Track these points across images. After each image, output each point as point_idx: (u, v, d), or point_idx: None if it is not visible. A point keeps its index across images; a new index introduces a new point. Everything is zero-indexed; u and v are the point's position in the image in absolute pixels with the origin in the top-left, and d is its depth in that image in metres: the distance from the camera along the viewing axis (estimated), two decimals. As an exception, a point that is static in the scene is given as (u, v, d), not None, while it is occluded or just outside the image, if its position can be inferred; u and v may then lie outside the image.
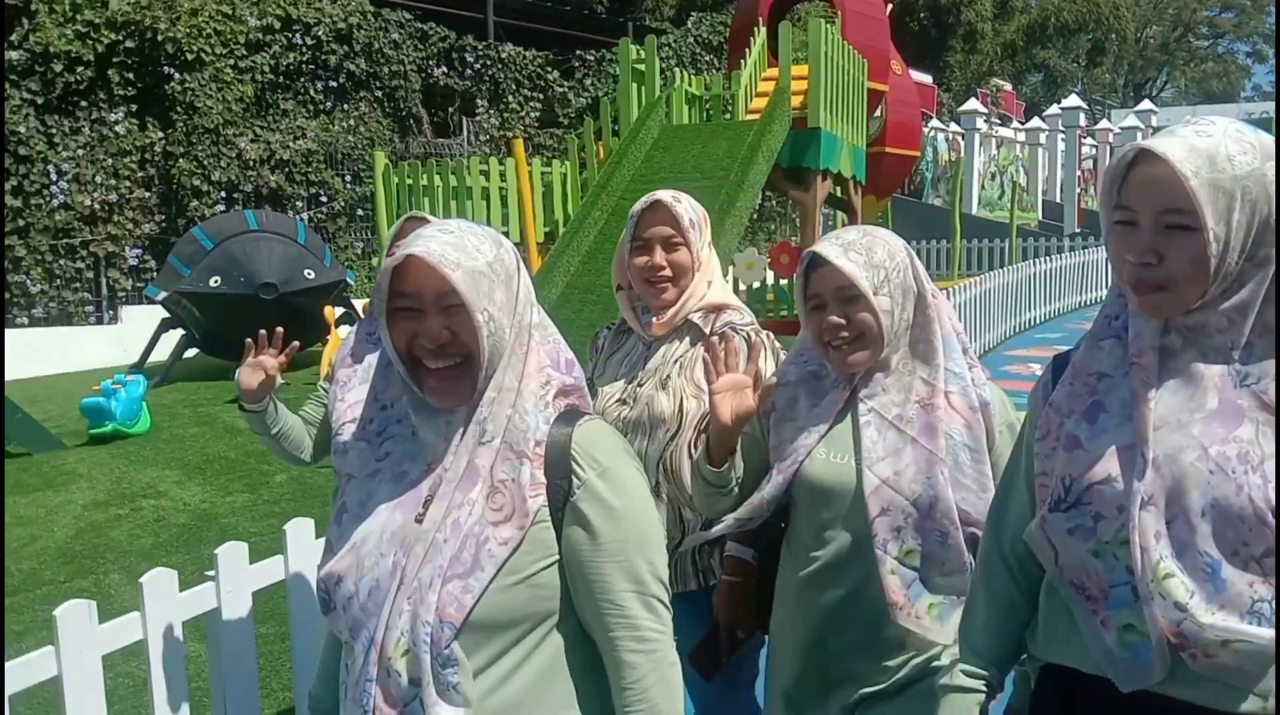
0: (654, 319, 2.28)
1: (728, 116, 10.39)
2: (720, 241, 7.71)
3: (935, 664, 1.76)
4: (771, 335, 2.28)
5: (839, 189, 10.31)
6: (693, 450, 2.18)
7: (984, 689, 1.55)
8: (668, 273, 2.25)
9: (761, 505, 1.83)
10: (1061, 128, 25.02)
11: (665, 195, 2.29)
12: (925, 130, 20.74)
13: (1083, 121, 25.17)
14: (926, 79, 24.59)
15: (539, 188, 9.98)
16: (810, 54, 8.88)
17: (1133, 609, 1.28)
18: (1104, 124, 26.70)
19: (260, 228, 9.94)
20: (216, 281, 9.38)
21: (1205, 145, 1.24)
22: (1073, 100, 25.27)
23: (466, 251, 1.29)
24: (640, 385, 2.25)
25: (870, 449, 1.75)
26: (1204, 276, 1.26)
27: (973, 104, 23.09)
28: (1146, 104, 28.15)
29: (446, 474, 1.31)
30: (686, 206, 2.28)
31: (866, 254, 1.75)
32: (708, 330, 2.28)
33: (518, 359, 1.35)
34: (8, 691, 2.05)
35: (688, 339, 2.29)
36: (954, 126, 24.49)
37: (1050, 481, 1.38)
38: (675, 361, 2.25)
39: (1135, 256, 1.28)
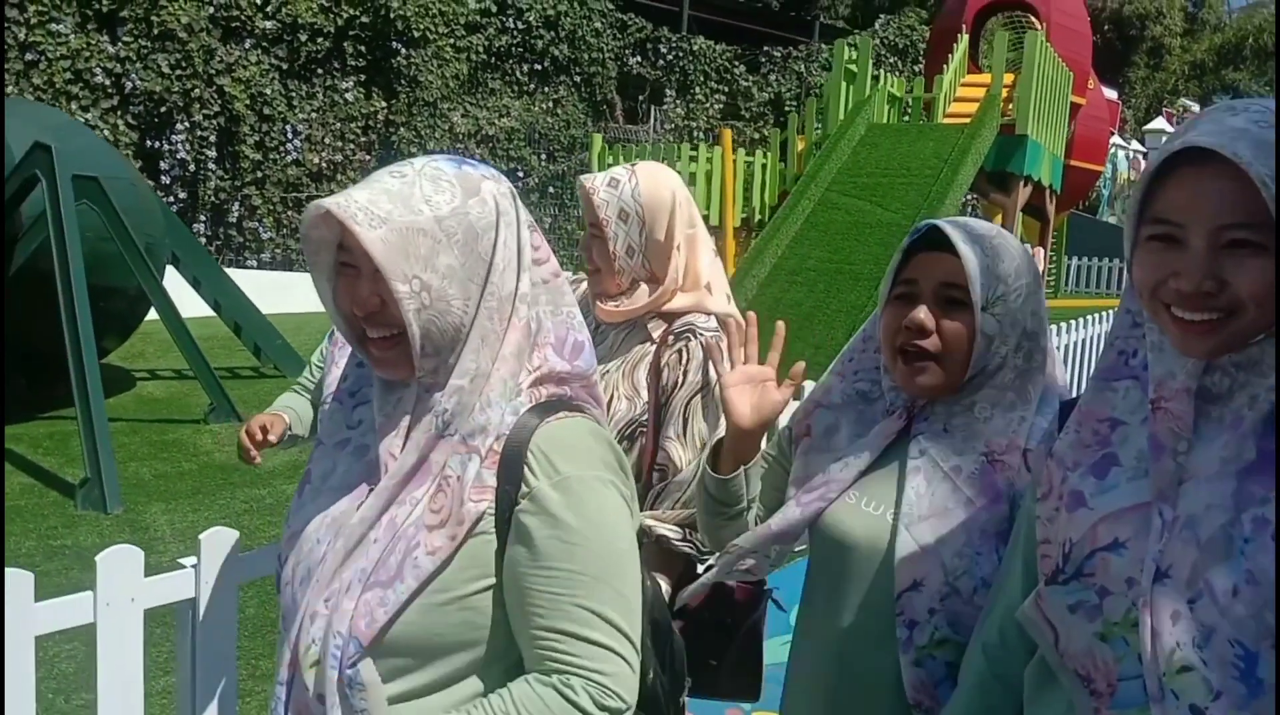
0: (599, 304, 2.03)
1: (922, 119, 10.81)
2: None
3: None
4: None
5: (1035, 196, 10.60)
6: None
7: None
8: (593, 264, 2.00)
9: (766, 539, 1.46)
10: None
11: (591, 178, 2.00)
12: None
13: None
14: (1112, 94, 24.12)
15: (741, 175, 10.66)
16: (1024, 63, 9.24)
17: (1143, 710, 1.02)
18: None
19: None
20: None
21: (1271, 138, 0.94)
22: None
23: (408, 203, 1.07)
24: None
25: (914, 503, 1.37)
26: (1269, 302, 0.98)
27: (1160, 123, 22.59)
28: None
29: (394, 464, 1.11)
30: (624, 192, 1.96)
31: (993, 257, 1.36)
32: (656, 334, 2.00)
33: (494, 337, 1.11)
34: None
35: (637, 340, 2.00)
36: (1135, 145, 23.97)
37: (1052, 551, 1.11)
38: (618, 355, 1.99)
39: (1188, 283, 0.98)
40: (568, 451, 1.10)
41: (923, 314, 1.37)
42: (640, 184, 1.96)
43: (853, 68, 10.16)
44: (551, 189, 17.04)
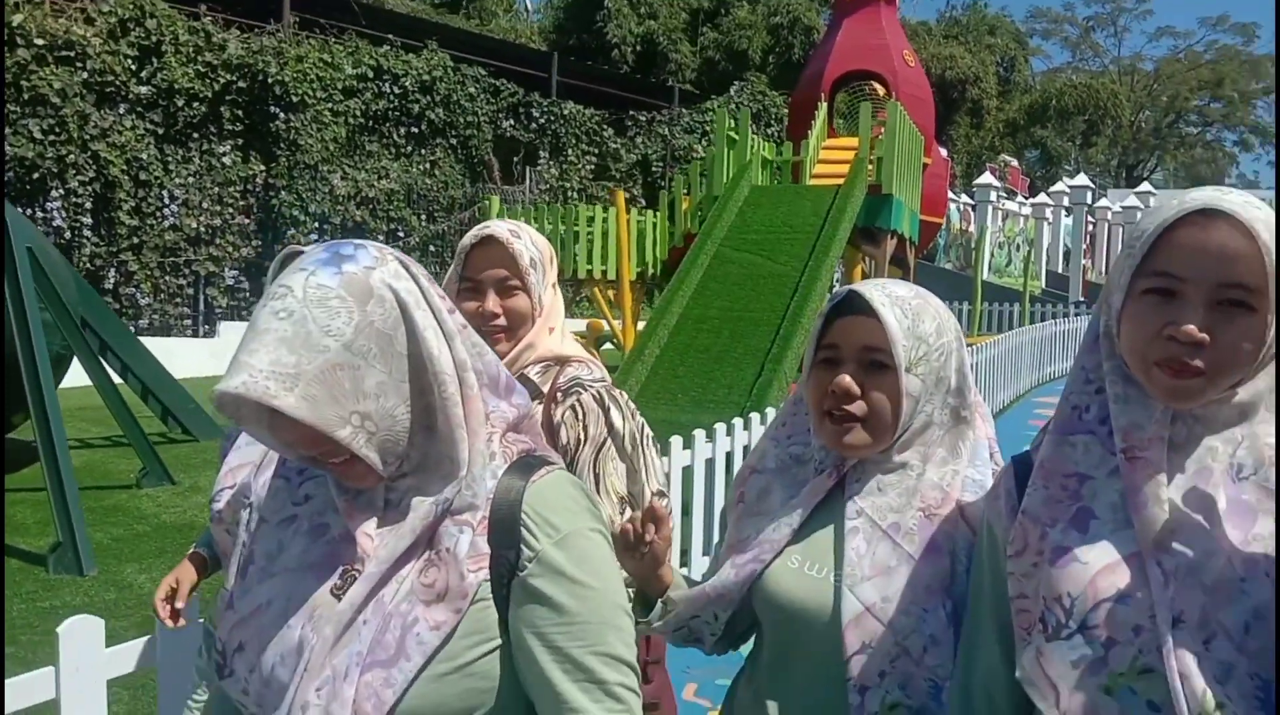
0: None
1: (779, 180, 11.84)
2: (816, 285, 9.08)
3: None
4: (624, 394, 1.99)
5: (898, 248, 11.73)
6: None
7: None
8: (502, 322, 1.89)
9: (701, 601, 1.46)
10: (1067, 204, 26.74)
11: (501, 229, 1.91)
12: (944, 200, 22.37)
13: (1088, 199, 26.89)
14: (943, 152, 26.35)
15: (634, 233, 11.38)
16: (888, 130, 10.34)
17: None
18: (1103, 202, 28.45)
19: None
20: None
21: (1265, 217, 1.04)
22: (1081, 179, 27.02)
23: (309, 343, 1.01)
24: None
25: (855, 563, 1.36)
26: (1249, 363, 1.06)
27: (986, 178, 24.78)
28: (1146, 186, 30.00)
29: (384, 547, 1.08)
30: (527, 243, 1.93)
31: (914, 318, 1.37)
32: (546, 387, 1.94)
33: (458, 419, 1.08)
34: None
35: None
36: (964, 198, 26.15)
37: (1033, 605, 1.13)
38: None
39: (1182, 334, 1.04)
40: (559, 510, 1.11)
41: (847, 380, 1.36)
42: (530, 233, 1.97)
43: (733, 135, 11.06)
44: (432, 248, 17.40)
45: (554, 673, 1.09)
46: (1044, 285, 26.55)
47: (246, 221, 15.68)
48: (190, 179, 15.05)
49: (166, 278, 14.88)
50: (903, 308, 1.36)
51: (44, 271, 6.67)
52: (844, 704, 1.33)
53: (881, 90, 14.23)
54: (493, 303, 1.89)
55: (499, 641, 1.11)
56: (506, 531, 1.09)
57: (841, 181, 10.61)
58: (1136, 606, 1.06)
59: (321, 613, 1.07)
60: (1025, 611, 1.15)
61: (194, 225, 15.00)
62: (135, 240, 14.47)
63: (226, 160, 15.45)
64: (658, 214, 11.54)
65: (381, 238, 16.81)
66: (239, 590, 1.15)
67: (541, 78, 20.46)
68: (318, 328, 1.01)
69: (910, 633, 1.32)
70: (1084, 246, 27.04)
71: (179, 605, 2.05)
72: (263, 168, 15.75)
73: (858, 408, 1.37)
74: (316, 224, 15.90)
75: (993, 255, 25.51)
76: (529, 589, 1.09)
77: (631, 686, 1.12)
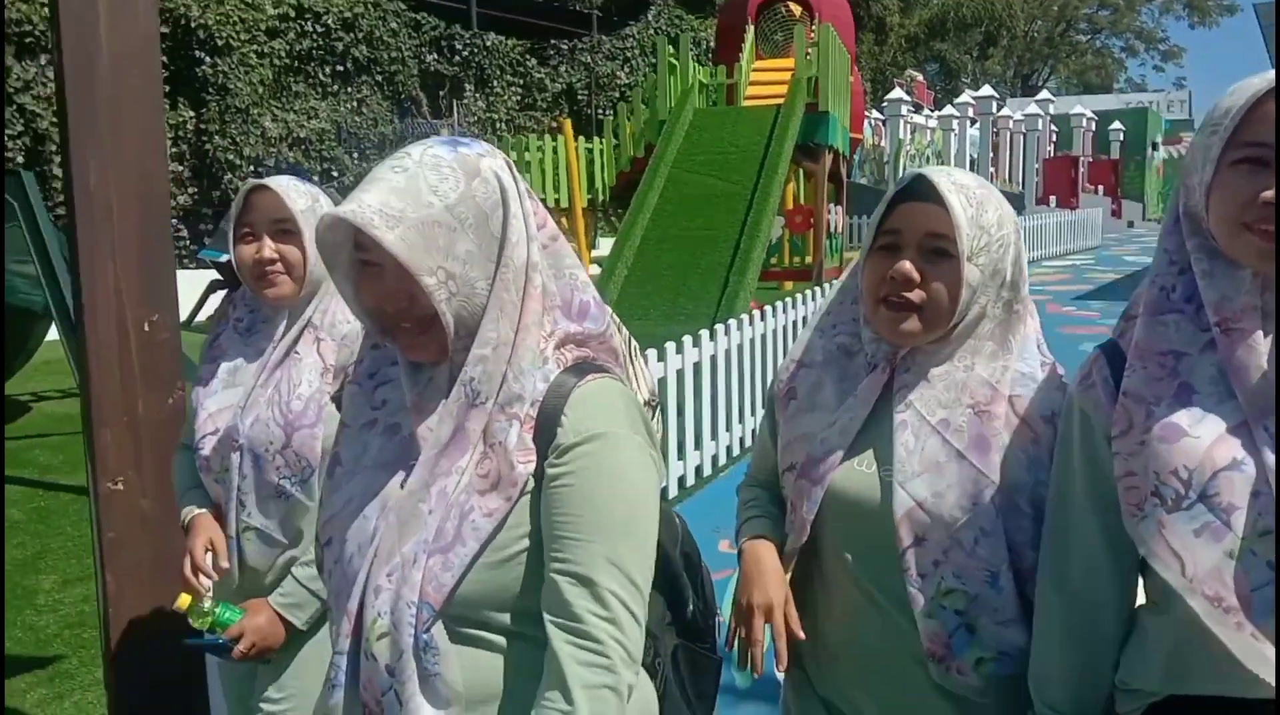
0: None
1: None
2: (768, 202, 9.69)
3: None
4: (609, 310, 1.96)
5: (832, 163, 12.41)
6: None
7: None
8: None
9: (804, 529, 1.45)
10: (971, 115, 27.79)
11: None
12: (858, 116, 23.10)
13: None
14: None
15: (583, 161, 11.82)
16: (821, 51, 10.92)
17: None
18: (1004, 112, 29.59)
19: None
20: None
21: None
22: (986, 90, 28.02)
23: (416, 197, 1.08)
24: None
25: (905, 460, 1.38)
26: None
27: (897, 93, 25.57)
28: (1045, 93, 31.26)
29: (431, 437, 1.14)
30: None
31: (978, 207, 1.35)
32: None
33: (511, 307, 1.13)
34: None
35: None
36: (874, 113, 26.96)
37: (1143, 482, 1.14)
38: None
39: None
40: (597, 410, 1.13)
41: (907, 266, 1.35)
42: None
43: (674, 61, 11.50)
44: (367, 187, 17.49)
45: (552, 564, 1.10)
46: (953, 195, 27.66)
47: (180, 168, 15.58)
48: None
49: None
50: (968, 196, 1.35)
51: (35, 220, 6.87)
52: (900, 591, 1.36)
53: (799, 10, 14.77)
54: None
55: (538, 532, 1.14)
56: (548, 426, 1.12)
57: (776, 102, 11.19)
58: (1251, 472, 1.08)
59: (391, 504, 1.14)
60: (1135, 488, 1.15)
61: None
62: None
63: (154, 107, 15.29)
64: (603, 141, 11.98)
65: (316, 179, 16.85)
66: (329, 489, 1.23)
67: (461, 10, 20.41)
68: (427, 186, 1.09)
69: (961, 526, 1.34)
70: (990, 154, 28.25)
71: (224, 565, 1.82)
72: (192, 114, 15.62)
73: (916, 294, 1.36)
74: (251, 168, 15.88)
75: (904, 168, 26.44)
76: (549, 478, 1.12)
77: (625, 600, 1.09)
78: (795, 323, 7.08)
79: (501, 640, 1.14)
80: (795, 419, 1.49)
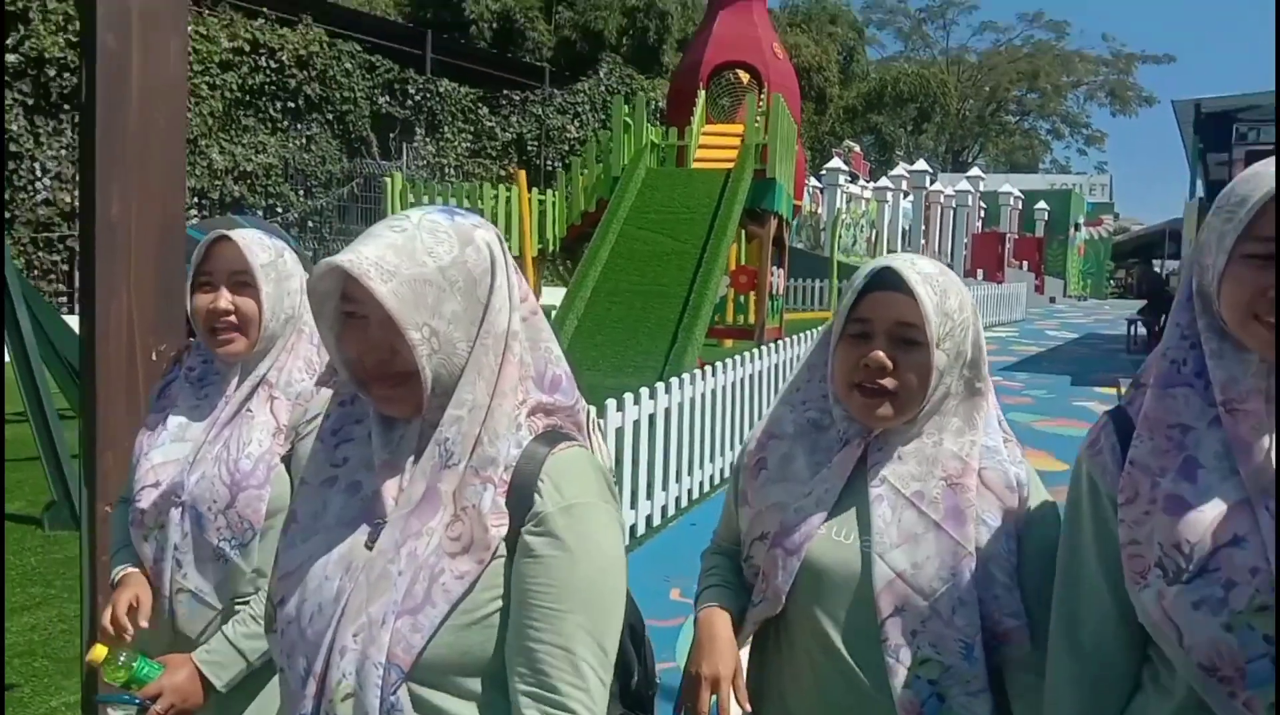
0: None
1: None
2: (717, 262, 9.96)
3: None
4: None
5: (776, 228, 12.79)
6: None
7: None
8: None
9: (778, 598, 1.47)
10: (905, 187, 28.79)
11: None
12: (799, 182, 23.82)
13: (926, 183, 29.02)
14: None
15: (535, 211, 12.02)
16: (772, 120, 11.33)
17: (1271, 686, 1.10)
18: (936, 186, 30.70)
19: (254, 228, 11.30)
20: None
21: None
22: (921, 164, 29.10)
23: (412, 255, 1.12)
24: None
25: (882, 530, 1.41)
26: None
27: (836, 162, 26.41)
28: (976, 170, 32.48)
29: (402, 496, 1.15)
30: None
31: (941, 295, 1.42)
32: None
33: (489, 371, 1.16)
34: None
35: None
36: (813, 181, 27.78)
37: (1147, 551, 1.17)
38: None
39: None
40: (572, 480, 1.15)
41: (881, 355, 1.40)
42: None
43: (628, 120, 11.81)
44: (310, 223, 17.45)
45: (529, 632, 1.12)
46: (886, 263, 28.55)
47: (122, 195, 15.38)
48: (63, 152, 14.67)
49: (40, 253, 14.50)
50: (932, 285, 1.41)
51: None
52: (877, 662, 1.39)
53: (746, 78, 15.28)
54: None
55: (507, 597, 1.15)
56: (522, 494, 1.14)
57: (724, 165, 11.56)
58: (1251, 549, 1.11)
59: (356, 564, 1.14)
60: (1139, 557, 1.17)
61: (68, 200, 14.65)
62: (6, 215, 14.04)
63: (100, 132, 15.13)
64: (555, 193, 12.20)
65: (260, 213, 16.76)
66: (283, 546, 1.23)
67: (416, 55, 20.63)
68: (423, 246, 1.13)
69: (940, 596, 1.37)
70: (922, 227, 29.23)
71: (143, 623, 1.74)
72: (138, 141, 15.48)
73: (890, 382, 1.41)
74: (195, 198, 15.76)
75: (839, 236, 27.23)
76: (524, 546, 1.13)
77: (598, 669, 1.12)
78: (742, 380, 7.29)
79: (466, 708, 1.14)
80: (765, 489, 1.51)
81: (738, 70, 15.57)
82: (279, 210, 17.02)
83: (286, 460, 1.72)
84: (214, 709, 1.73)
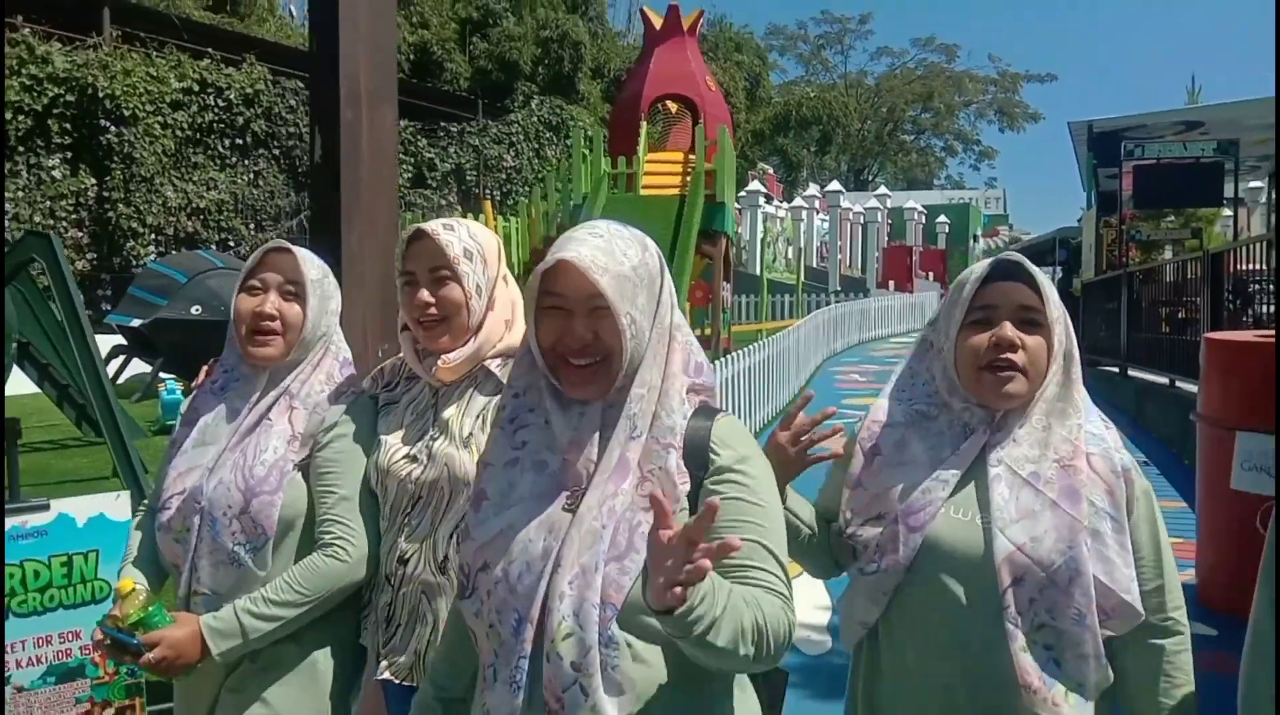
0: (437, 362, 1.87)
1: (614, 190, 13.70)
2: (682, 281, 10.97)
3: None
4: None
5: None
6: None
7: None
8: (434, 312, 1.84)
9: (898, 568, 1.55)
10: (817, 206, 30.40)
11: (431, 224, 1.87)
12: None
13: (839, 202, 30.68)
14: (714, 160, 29.27)
15: (500, 237, 12.88)
16: (721, 148, 12.46)
17: None
18: (844, 203, 32.40)
19: (226, 265, 11.67)
20: (198, 310, 10.57)
21: None
22: (834, 185, 30.73)
23: (614, 256, 1.30)
24: (433, 440, 1.86)
25: (1002, 508, 1.49)
26: None
27: (755, 185, 27.81)
28: (882, 188, 34.36)
29: (599, 465, 1.33)
30: (463, 234, 1.88)
31: (1046, 285, 1.56)
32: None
33: (660, 358, 1.36)
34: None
35: (489, 389, 1.89)
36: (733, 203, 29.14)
37: None
38: (477, 416, 1.86)
39: None
40: (738, 441, 1.38)
41: (1011, 329, 1.51)
42: (471, 226, 1.93)
43: (586, 152, 12.79)
44: (262, 257, 17.91)
45: (737, 537, 1.17)
46: (803, 278, 30.08)
47: (80, 234, 15.69)
48: (19, 193, 14.95)
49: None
50: (1040, 274, 1.56)
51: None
52: (1001, 630, 1.47)
53: (675, 108, 16.38)
54: (425, 293, 1.83)
55: None
56: (697, 456, 1.34)
57: (670, 191, 12.65)
58: None
59: (559, 525, 1.31)
60: None
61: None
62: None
63: (56, 173, 15.44)
64: (518, 219, 13.10)
65: (214, 248, 17.20)
66: (476, 522, 1.38)
67: (355, 91, 21.16)
68: (619, 248, 1.32)
69: (1058, 568, 1.46)
70: (823, 244, 30.83)
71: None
72: (94, 181, 15.82)
73: (1020, 358, 1.51)
74: (153, 235, 16.16)
75: (760, 253, 28.62)
76: (708, 493, 1.32)
77: (786, 579, 1.33)
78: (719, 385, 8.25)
79: (651, 653, 1.31)
80: (881, 472, 1.61)
81: (666, 101, 16.67)
82: (230, 244, 17.46)
83: (305, 467, 1.84)
84: (221, 684, 1.84)
